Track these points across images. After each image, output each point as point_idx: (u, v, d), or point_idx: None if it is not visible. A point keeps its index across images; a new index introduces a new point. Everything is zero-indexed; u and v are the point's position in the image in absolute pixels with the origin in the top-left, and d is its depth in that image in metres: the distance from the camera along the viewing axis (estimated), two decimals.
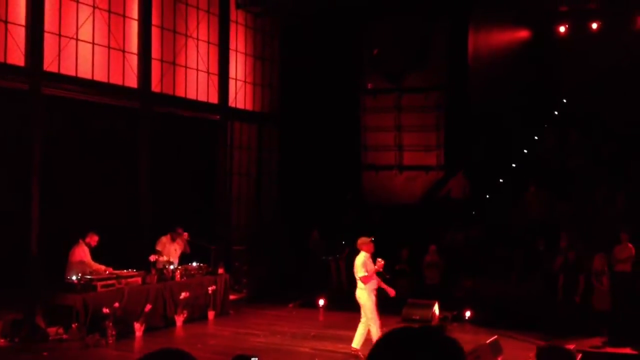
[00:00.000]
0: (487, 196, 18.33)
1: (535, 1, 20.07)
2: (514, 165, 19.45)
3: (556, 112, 21.28)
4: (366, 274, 9.82)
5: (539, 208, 16.53)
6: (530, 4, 19.99)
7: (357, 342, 10.02)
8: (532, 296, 13.08)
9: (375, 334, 9.72)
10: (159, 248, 12.85)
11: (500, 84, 19.50)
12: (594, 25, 20.82)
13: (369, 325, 9.95)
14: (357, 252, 10.15)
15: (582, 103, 19.92)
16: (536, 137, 20.38)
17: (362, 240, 10.05)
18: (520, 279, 14.13)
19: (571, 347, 9.06)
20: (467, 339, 9.16)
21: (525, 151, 20.00)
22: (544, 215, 16.25)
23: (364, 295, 9.91)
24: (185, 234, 13.24)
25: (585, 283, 12.53)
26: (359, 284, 9.97)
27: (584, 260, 12.79)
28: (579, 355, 7.86)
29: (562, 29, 21.63)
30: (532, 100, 20.38)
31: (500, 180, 18.81)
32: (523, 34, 22.02)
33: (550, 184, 16.94)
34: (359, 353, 9.92)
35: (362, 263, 9.89)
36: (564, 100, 21.40)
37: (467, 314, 12.76)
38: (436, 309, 12.94)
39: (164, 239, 13.01)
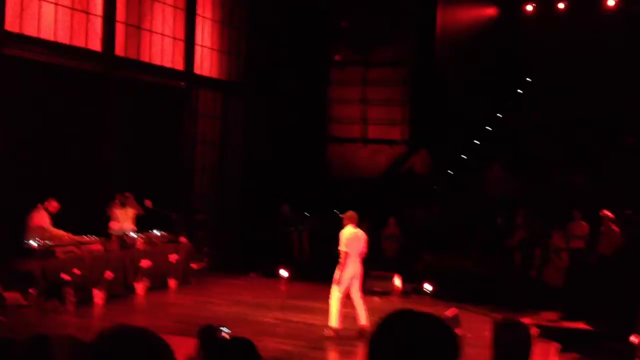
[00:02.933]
0: (450, 172, 18.54)
1: None
2: (477, 142, 19.68)
3: (520, 91, 21.53)
4: (346, 249, 9.61)
5: (500, 186, 16.82)
6: None
7: (334, 320, 9.80)
8: (490, 271, 13.34)
9: (337, 302, 9.69)
10: (115, 216, 12.69)
11: (467, 61, 19.64)
12: (561, 5, 21.04)
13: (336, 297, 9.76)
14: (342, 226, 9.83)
15: (547, 83, 20.19)
16: (499, 115, 20.62)
17: (356, 216, 9.80)
18: (479, 254, 14.40)
19: (527, 321, 9.29)
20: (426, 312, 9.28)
21: (488, 129, 20.24)
22: (505, 192, 16.54)
23: (337, 268, 9.69)
24: (127, 193, 12.96)
25: (541, 258, 12.84)
26: (359, 260, 9.76)
27: (541, 237, 13.10)
28: (537, 330, 8.06)
29: (529, 7, 21.80)
30: (498, 78, 20.57)
31: (464, 157, 19.03)
32: (490, 11, 22.15)
33: (512, 162, 17.21)
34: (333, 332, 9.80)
35: (367, 239, 9.79)
36: (529, 80, 21.66)
37: (427, 287, 12.97)
38: (397, 281, 13.13)
39: (115, 208, 12.81)
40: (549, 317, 10.93)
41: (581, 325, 10.58)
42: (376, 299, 12.53)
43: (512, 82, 21.27)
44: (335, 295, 9.74)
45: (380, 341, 1.87)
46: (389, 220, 15.38)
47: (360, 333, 9.55)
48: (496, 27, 21.63)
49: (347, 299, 9.87)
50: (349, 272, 9.68)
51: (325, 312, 11.23)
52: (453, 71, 19.11)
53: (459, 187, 17.37)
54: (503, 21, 21.90)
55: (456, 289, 12.62)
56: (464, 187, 17.28)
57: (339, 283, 9.68)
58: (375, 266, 13.67)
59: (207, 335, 5.86)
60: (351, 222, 9.74)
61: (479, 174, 17.44)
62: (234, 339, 3.60)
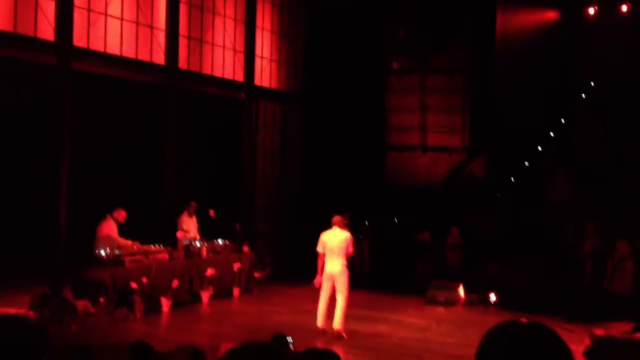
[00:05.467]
0: (512, 179, 18.21)
1: None
2: (540, 148, 19.27)
3: (584, 96, 20.99)
4: (319, 249, 10.01)
5: (564, 193, 16.41)
6: None
7: (339, 323, 9.95)
8: (558, 281, 13.02)
9: (344, 309, 9.86)
10: (183, 226, 12.97)
11: (528, 66, 19.27)
12: (624, 8, 20.46)
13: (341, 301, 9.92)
14: (329, 228, 10.08)
15: (610, 87, 19.63)
16: (563, 121, 20.15)
17: (339, 219, 10.08)
18: (546, 263, 14.06)
19: (600, 332, 9.02)
20: (492, 322, 9.11)
21: (552, 135, 19.80)
22: (570, 200, 16.13)
23: (346, 271, 9.98)
24: (193, 203, 13.26)
25: (611, 268, 12.47)
26: (341, 260, 9.91)
27: (611, 247, 12.73)
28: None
29: (591, 10, 21.27)
30: (560, 83, 20.12)
31: (526, 164, 18.66)
32: (551, 15, 21.68)
33: (576, 168, 16.79)
34: (342, 333, 9.92)
35: (351, 238, 9.99)
36: (592, 84, 21.10)
37: (492, 297, 12.73)
38: (461, 291, 12.94)
39: (184, 217, 13.10)
40: (622, 329, 10.56)
41: None
42: (440, 309, 12.38)
43: (575, 87, 20.76)
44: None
45: (491, 354, 1.81)
46: (452, 229, 15.20)
47: (323, 333, 9.91)
48: (557, 30, 21.17)
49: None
50: (325, 272, 9.93)
51: (389, 321, 11.19)
52: (513, 76, 18.77)
53: (522, 195, 17.02)
54: (564, 25, 21.41)
55: (523, 299, 12.34)
56: (528, 195, 16.93)
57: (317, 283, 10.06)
58: (438, 275, 13.54)
59: (280, 344, 5.89)
60: (335, 224, 10.03)
61: (543, 181, 17.05)
62: (321, 352, 3.57)
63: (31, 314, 10.44)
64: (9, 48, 11.23)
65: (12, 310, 10.15)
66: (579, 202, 15.95)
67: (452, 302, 12.68)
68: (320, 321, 10.04)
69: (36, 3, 11.46)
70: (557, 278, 13.21)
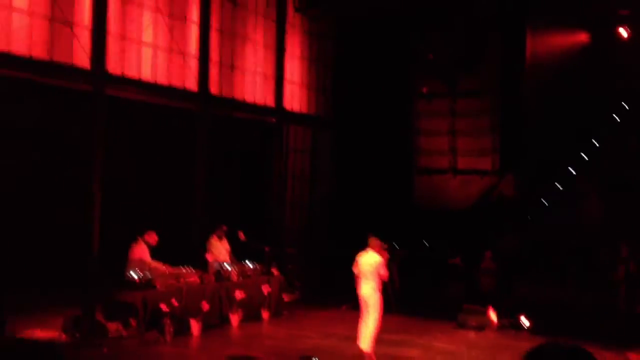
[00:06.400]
0: (544, 201, 18.01)
1: (595, 4, 19.63)
2: (572, 170, 19.06)
3: (616, 117, 20.75)
4: (354, 270, 10.06)
5: (597, 215, 16.18)
6: (589, 7, 19.56)
7: (366, 344, 9.93)
8: (592, 305, 12.79)
9: (373, 331, 9.85)
10: (213, 250, 13.04)
11: (558, 88, 19.13)
12: None
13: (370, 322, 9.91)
14: (364, 249, 10.07)
15: None
16: (595, 143, 19.92)
17: (377, 242, 10.08)
18: (577, 286, 13.84)
19: (635, 357, 8.84)
20: (525, 347, 8.99)
21: (584, 156, 19.57)
22: (602, 222, 15.90)
23: (377, 293, 9.98)
24: (224, 226, 13.34)
25: None
26: (371, 283, 9.91)
27: None
28: None
29: (623, 32, 21.10)
30: (591, 104, 19.92)
31: (559, 186, 18.45)
32: (582, 37, 21.53)
33: (609, 190, 16.56)
34: (370, 355, 9.88)
35: (382, 263, 9.99)
36: (625, 106, 20.85)
37: (524, 320, 12.54)
38: (492, 315, 12.78)
39: (213, 240, 13.16)
40: None
41: None
42: (472, 333, 12.23)
43: (607, 108, 20.53)
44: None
45: None
46: (485, 254, 15.04)
47: (359, 355, 9.86)
48: (589, 52, 21.01)
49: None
50: (359, 294, 10.07)
51: (419, 345, 11.11)
52: (543, 98, 18.66)
53: (554, 217, 16.81)
54: (596, 46, 21.25)
55: (555, 323, 12.14)
56: (559, 217, 16.72)
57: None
58: (468, 300, 13.40)
59: None
60: (370, 246, 10.05)
61: (575, 203, 16.84)
62: None
63: (63, 336, 10.60)
64: (45, 76, 11.53)
65: (45, 334, 10.32)
66: (612, 224, 15.71)
67: (483, 326, 12.52)
68: (359, 342, 10.05)
69: (71, 31, 11.77)
70: (590, 301, 12.98)
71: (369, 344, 9.89)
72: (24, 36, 10.98)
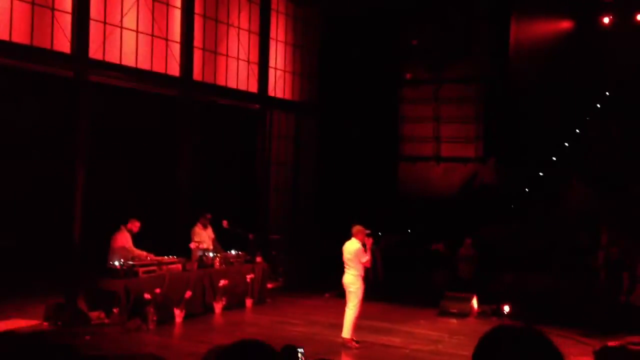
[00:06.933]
0: (527, 189, 18.12)
1: None
2: (554, 158, 19.18)
3: (599, 105, 20.88)
4: (367, 258, 10.06)
5: (579, 202, 16.30)
6: None
7: (346, 330, 10.00)
8: (573, 292, 12.90)
9: (352, 318, 9.92)
10: (196, 238, 12.97)
11: (542, 76, 19.21)
12: (639, 17, 20.34)
13: (350, 309, 9.97)
14: (349, 238, 10.09)
15: (626, 96, 19.51)
16: (578, 131, 20.05)
17: (360, 229, 10.06)
18: (560, 274, 13.95)
19: (615, 344, 8.92)
20: None
21: (566, 144, 19.70)
22: (585, 209, 16.02)
23: (358, 281, 10.01)
24: (208, 214, 13.26)
25: (629, 281, 12.33)
26: (353, 271, 9.97)
27: (628, 257, 12.58)
28: None
29: (606, 20, 21.18)
30: (575, 92, 20.03)
31: (541, 174, 18.57)
32: (566, 24, 21.61)
33: (591, 178, 16.68)
34: (353, 343, 9.95)
35: (361, 250, 9.99)
36: (607, 93, 20.99)
37: (506, 308, 12.64)
38: (474, 302, 12.87)
39: (197, 228, 13.09)
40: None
41: None
42: (453, 320, 12.31)
43: (590, 96, 20.65)
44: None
45: (484, 357, 1.85)
46: (465, 240, 15.12)
47: (343, 343, 9.94)
48: (572, 40, 21.09)
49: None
50: (342, 280, 10.17)
51: (401, 332, 11.17)
52: (528, 86, 18.72)
53: (537, 205, 16.92)
54: (579, 34, 21.33)
55: (537, 311, 12.24)
56: (542, 205, 16.83)
57: None
58: (453, 287, 13.47)
59: (289, 355, 5.90)
60: (353, 234, 10.06)
61: (558, 191, 16.95)
62: None
63: (45, 324, 10.54)
64: (25, 61, 11.38)
65: (27, 322, 10.26)
66: (596, 211, 15.83)
67: (465, 313, 12.60)
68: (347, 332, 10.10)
69: (52, 16, 11.62)
70: (572, 288, 13.09)
71: (348, 330, 9.95)
72: (4, 20, 10.82)
